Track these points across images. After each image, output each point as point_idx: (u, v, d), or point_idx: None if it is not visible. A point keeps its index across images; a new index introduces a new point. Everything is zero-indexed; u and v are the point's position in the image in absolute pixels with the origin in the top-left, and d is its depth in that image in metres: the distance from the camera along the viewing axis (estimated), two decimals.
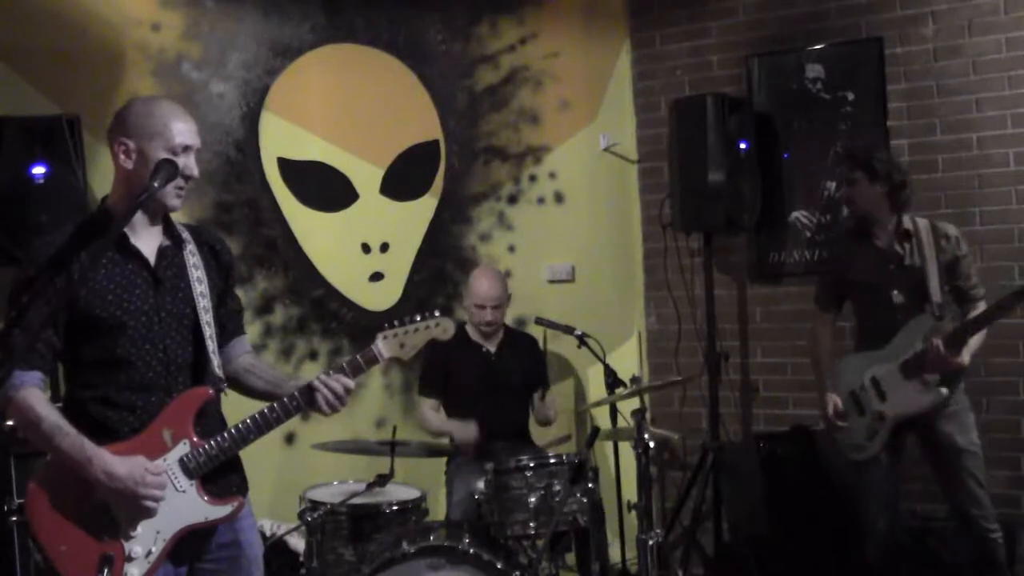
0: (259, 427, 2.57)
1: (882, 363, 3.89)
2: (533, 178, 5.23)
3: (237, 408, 2.70)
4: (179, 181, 2.58)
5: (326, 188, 4.80)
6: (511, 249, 5.14)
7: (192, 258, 2.64)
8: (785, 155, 5.04)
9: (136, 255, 2.57)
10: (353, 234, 4.87)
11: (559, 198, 5.27)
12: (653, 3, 5.35)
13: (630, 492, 4.18)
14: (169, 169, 2.58)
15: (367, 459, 4.11)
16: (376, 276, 4.92)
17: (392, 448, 3.84)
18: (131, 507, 2.47)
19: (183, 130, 2.57)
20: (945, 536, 4.28)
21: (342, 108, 4.85)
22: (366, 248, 4.89)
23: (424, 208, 5.03)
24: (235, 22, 4.63)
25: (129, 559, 2.47)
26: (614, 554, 4.53)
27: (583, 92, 5.33)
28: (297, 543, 3.94)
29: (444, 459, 4.42)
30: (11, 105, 4.04)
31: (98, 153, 4.31)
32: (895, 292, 3.88)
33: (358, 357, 2.67)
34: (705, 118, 4.80)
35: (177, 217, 2.77)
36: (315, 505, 3.75)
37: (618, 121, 5.41)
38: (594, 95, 5.37)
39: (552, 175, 5.25)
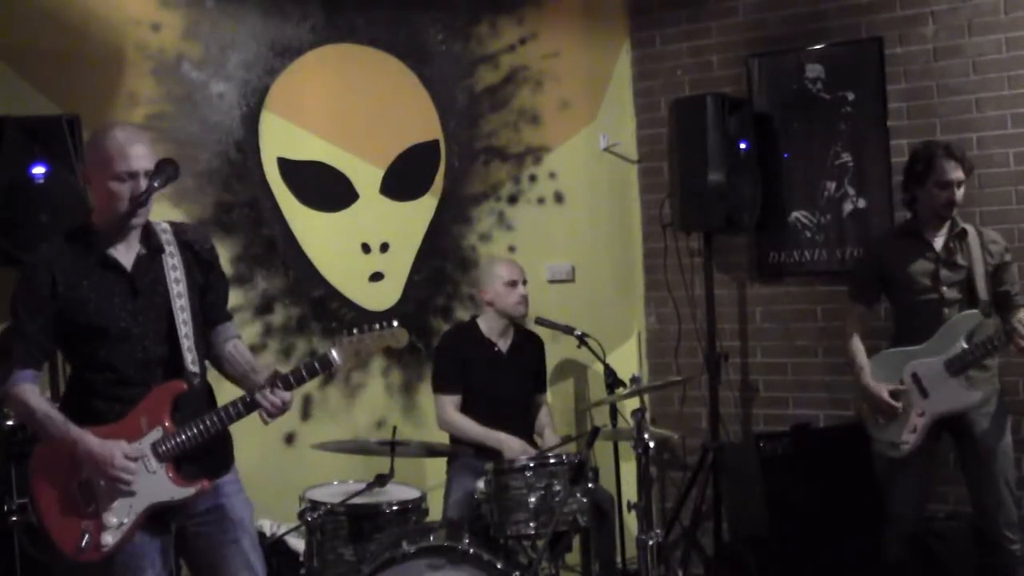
0: (222, 420, 2.87)
1: (921, 358, 3.90)
2: (533, 178, 5.23)
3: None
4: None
5: (326, 188, 4.80)
6: (511, 249, 5.14)
7: (171, 260, 2.90)
8: (785, 155, 5.04)
9: (115, 267, 2.85)
10: (353, 234, 4.87)
11: (559, 198, 5.27)
12: (653, 3, 5.35)
13: (630, 492, 4.17)
14: (169, 170, 2.71)
15: (367, 459, 4.10)
16: (376, 276, 4.92)
17: (392, 448, 3.83)
18: (108, 483, 2.80)
19: (121, 155, 2.79)
20: (946, 536, 4.28)
21: (342, 108, 4.84)
22: (366, 248, 4.89)
23: (424, 208, 5.03)
24: (235, 22, 4.62)
25: (105, 528, 2.80)
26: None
27: (583, 92, 5.33)
28: (297, 543, 3.94)
29: (444, 459, 4.42)
30: (11, 105, 4.03)
31: None
32: (945, 288, 3.90)
33: (314, 361, 2.92)
34: (705, 118, 4.80)
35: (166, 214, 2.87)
36: (315, 505, 3.74)
37: (618, 121, 5.41)
38: (594, 95, 5.37)
39: (552, 175, 5.25)
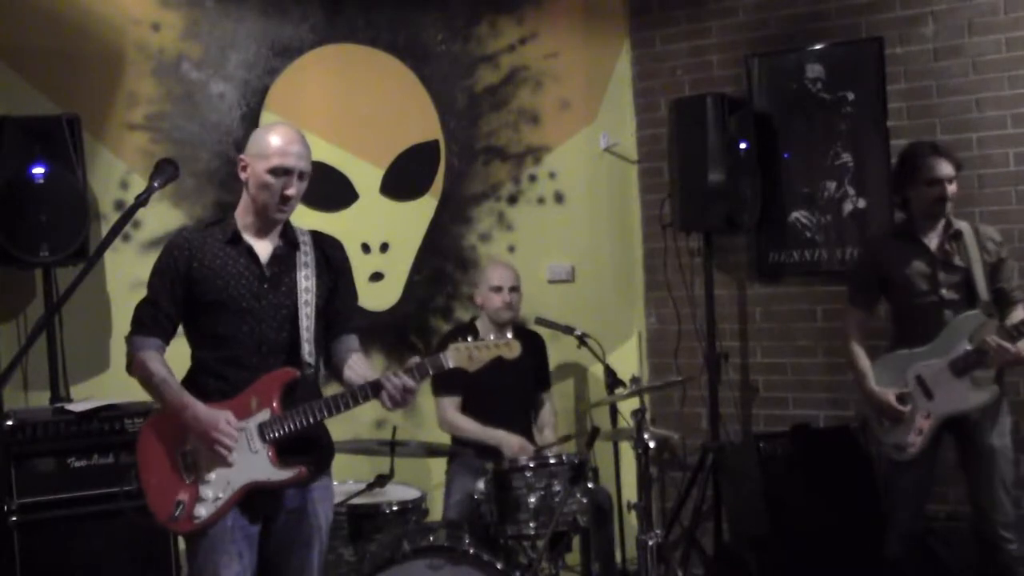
0: (330, 408, 2.91)
1: (924, 360, 3.89)
2: (533, 178, 5.23)
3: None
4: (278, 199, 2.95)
5: (326, 188, 4.79)
6: (511, 249, 5.14)
7: (304, 258, 3.02)
8: (785, 155, 5.04)
9: (248, 252, 2.97)
10: (353, 234, 4.85)
11: (559, 198, 5.27)
12: (653, 3, 5.35)
13: (630, 492, 4.18)
14: (169, 170, 2.72)
15: (367, 459, 4.10)
16: (376, 276, 4.92)
17: (392, 448, 3.84)
18: (210, 454, 2.87)
19: (281, 152, 2.92)
20: (946, 536, 4.28)
21: (342, 108, 4.85)
22: (366, 248, 4.89)
23: (424, 208, 5.03)
24: (235, 22, 4.63)
25: (200, 500, 2.87)
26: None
27: (583, 92, 5.33)
28: None
29: (444, 459, 4.42)
30: (11, 105, 4.04)
31: (98, 153, 4.32)
32: (944, 290, 3.90)
33: (426, 361, 2.94)
34: (705, 118, 4.80)
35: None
36: None
37: (618, 121, 5.41)
38: (594, 95, 5.37)
39: (552, 175, 5.25)
